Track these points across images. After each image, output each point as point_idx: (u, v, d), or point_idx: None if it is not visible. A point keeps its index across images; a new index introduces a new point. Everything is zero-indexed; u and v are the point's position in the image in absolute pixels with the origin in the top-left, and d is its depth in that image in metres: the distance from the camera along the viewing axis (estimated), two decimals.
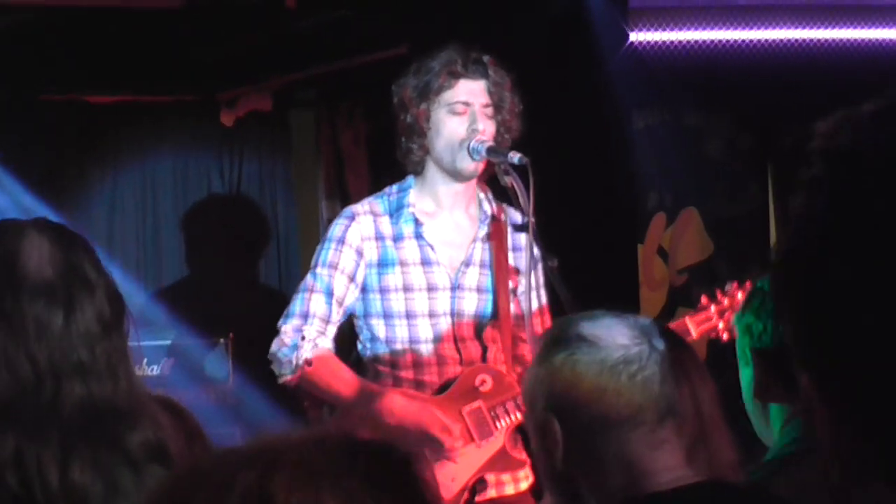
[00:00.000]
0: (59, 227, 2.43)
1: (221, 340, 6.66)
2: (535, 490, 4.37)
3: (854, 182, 1.20)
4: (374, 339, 4.38)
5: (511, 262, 4.44)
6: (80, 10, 6.53)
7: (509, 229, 4.44)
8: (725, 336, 4.41)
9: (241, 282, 7.51)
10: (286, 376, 4.32)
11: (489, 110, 4.34)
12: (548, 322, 4.34)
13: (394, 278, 4.35)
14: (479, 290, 4.40)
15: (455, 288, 4.37)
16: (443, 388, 4.33)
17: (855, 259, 1.18)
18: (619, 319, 2.44)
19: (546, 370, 2.43)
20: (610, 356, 2.36)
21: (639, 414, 2.35)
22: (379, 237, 4.37)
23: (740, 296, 4.41)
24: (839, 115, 1.24)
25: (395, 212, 4.39)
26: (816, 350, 1.23)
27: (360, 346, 4.46)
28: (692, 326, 4.42)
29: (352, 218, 4.40)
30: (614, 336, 2.39)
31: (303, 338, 4.30)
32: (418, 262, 4.36)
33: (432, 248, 4.37)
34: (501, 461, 4.34)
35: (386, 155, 4.53)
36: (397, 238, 4.37)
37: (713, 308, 4.47)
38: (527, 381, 2.51)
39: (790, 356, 2.72)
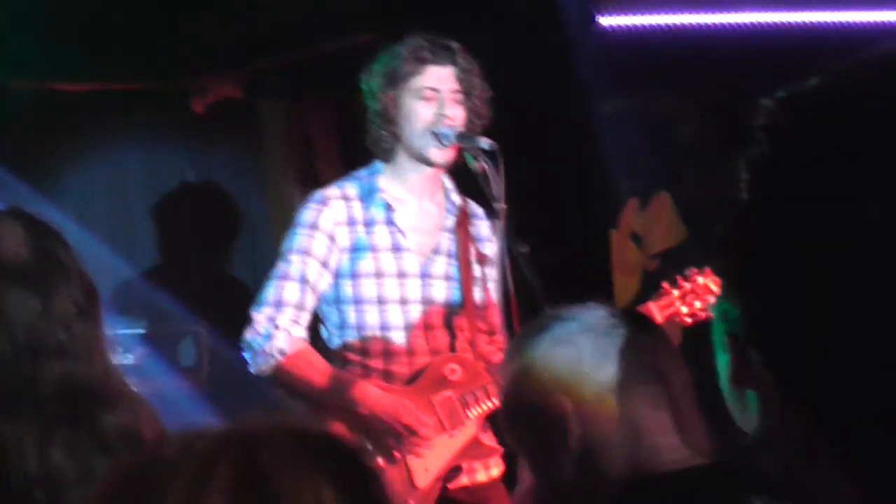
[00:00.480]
0: (31, 216, 2.45)
1: (194, 329, 6.64)
2: (506, 477, 4.38)
3: (795, 160, 1.19)
4: (343, 325, 4.36)
5: (476, 251, 4.44)
6: None
7: (472, 220, 4.45)
8: (688, 321, 4.45)
9: (212, 270, 7.49)
10: (260, 366, 4.29)
11: (458, 96, 4.34)
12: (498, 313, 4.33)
13: (366, 263, 4.33)
14: (446, 278, 4.40)
15: (424, 275, 4.36)
16: (412, 378, 4.31)
17: (794, 237, 1.17)
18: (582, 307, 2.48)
19: (536, 357, 2.42)
20: (599, 323, 2.41)
21: (641, 372, 2.39)
22: (351, 222, 4.35)
23: (700, 280, 4.46)
24: (782, 92, 1.24)
25: (367, 196, 4.38)
26: (762, 330, 1.23)
27: (325, 333, 4.44)
28: (656, 312, 4.44)
29: (323, 202, 4.37)
30: (588, 311, 2.45)
31: (276, 327, 4.27)
32: (389, 248, 4.35)
33: (403, 235, 4.36)
34: (474, 449, 4.34)
35: (357, 142, 4.52)
36: (369, 223, 4.35)
37: (675, 293, 4.49)
38: (513, 380, 2.49)
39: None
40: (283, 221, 7.41)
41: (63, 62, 6.87)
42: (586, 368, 2.38)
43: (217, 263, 7.55)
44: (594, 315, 2.42)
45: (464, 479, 4.34)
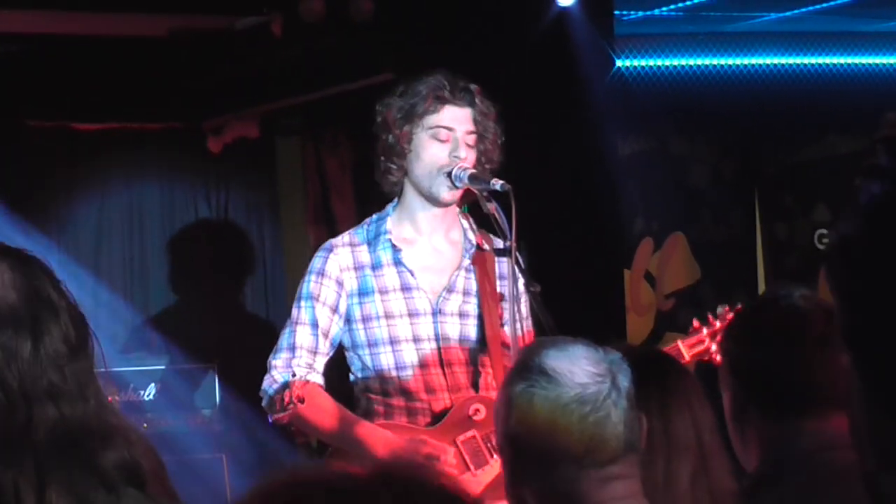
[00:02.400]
0: (17, 252, 2.42)
1: (208, 366, 6.66)
2: None
3: None
4: (363, 368, 4.36)
5: (497, 289, 4.43)
6: (66, 38, 6.54)
7: (495, 257, 4.42)
8: (718, 359, 4.41)
9: (228, 308, 7.51)
10: (278, 415, 4.27)
11: (471, 138, 4.32)
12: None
13: (374, 307, 4.32)
14: (461, 315, 4.37)
15: (436, 313, 4.35)
16: (437, 418, 4.31)
17: None
18: (586, 352, 2.41)
19: (506, 397, 2.43)
20: (565, 394, 2.35)
21: (588, 455, 2.34)
22: (357, 267, 4.35)
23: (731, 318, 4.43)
24: None
25: (373, 240, 4.37)
26: (864, 332, 1.23)
27: (351, 378, 4.44)
28: (685, 350, 4.41)
29: (330, 250, 4.38)
30: (574, 373, 2.37)
31: (293, 374, 4.26)
32: (398, 289, 4.34)
33: (412, 274, 4.35)
34: (498, 489, 4.32)
35: (371, 181, 4.52)
36: (375, 266, 4.35)
37: (705, 331, 4.46)
38: (495, 403, 2.52)
39: (764, 382, 2.73)
40: (298, 259, 7.46)
41: (81, 102, 6.92)
42: (531, 435, 2.37)
43: (233, 301, 7.57)
44: (568, 381, 2.35)
45: None
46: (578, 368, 2.37)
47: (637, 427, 2.38)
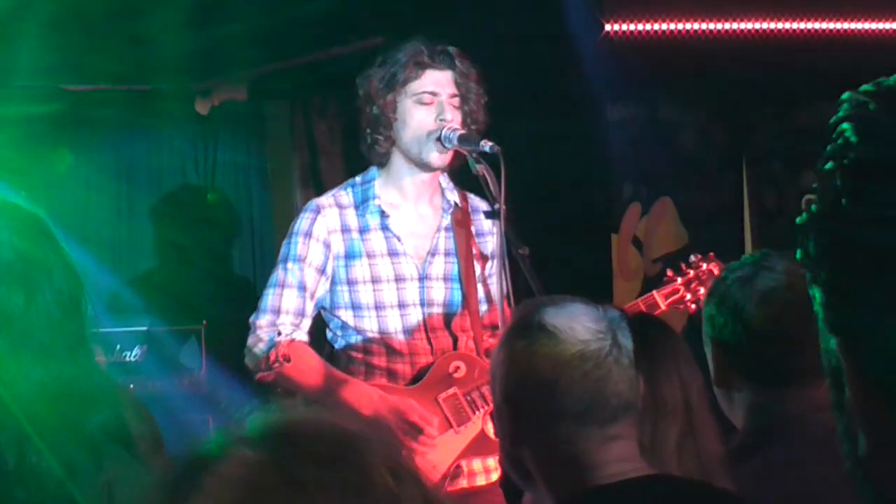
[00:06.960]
0: (16, 210, 2.41)
1: (195, 328, 6.65)
2: (503, 482, 4.38)
3: (884, 151, 1.20)
4: (344, 327, 4.37)
5: (477, 246, 4.45)
6: None
7: (472, 215, 4.44)
8: (693, 307, 4.47)
9: (216, 271, 7.51)
10: (263, 373, 4.28)
11: (456, 100, 4.35)
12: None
13: (361, 270, 4.34)
14: (445, 279, 4.40)
15: (423, 278, 4.37)
16: (417, 377, 4.32)
17: (887, 226, 1.17)
18: (586, 310, 2.39)
19: (505, 356, 2.41)
20: (566, 351, 2.33)
21: (588, 412, 2.32)
22: (345, 229, 4.36)
23: (705, 266, 4.48)
24: (865, 86, 1.25)
25: (361, 204, 4.38)
26: (847, 316, 1.22)
27: (329, 336, 4.45)
28: (660, 300, 4.46)
29: (317, 211, 4.39)
30: (575, 329, 2.35)
31: (279, 333, 4.28)
32: (385, 254, 4.35)
33: (399, 240, 4.36)
34: (480, 445, 4.34)
35: (360, 145, 4.52)
36: (363, 230, 4.36)
37: (679, 280, 4.50)
38: (491, 363, 2.51)
39: (747, 352, 2.72)
40: (286, 223, 7.43)
41: (69, 63, 6.89)
42: (532, 392, 2.35)
43: (220, 264, 7.56)
44: (569, 336, 2.34)
45: (463, 482, 4.35)
46: (579, 325, 2.36)
47: (636, 386, 2.37)
